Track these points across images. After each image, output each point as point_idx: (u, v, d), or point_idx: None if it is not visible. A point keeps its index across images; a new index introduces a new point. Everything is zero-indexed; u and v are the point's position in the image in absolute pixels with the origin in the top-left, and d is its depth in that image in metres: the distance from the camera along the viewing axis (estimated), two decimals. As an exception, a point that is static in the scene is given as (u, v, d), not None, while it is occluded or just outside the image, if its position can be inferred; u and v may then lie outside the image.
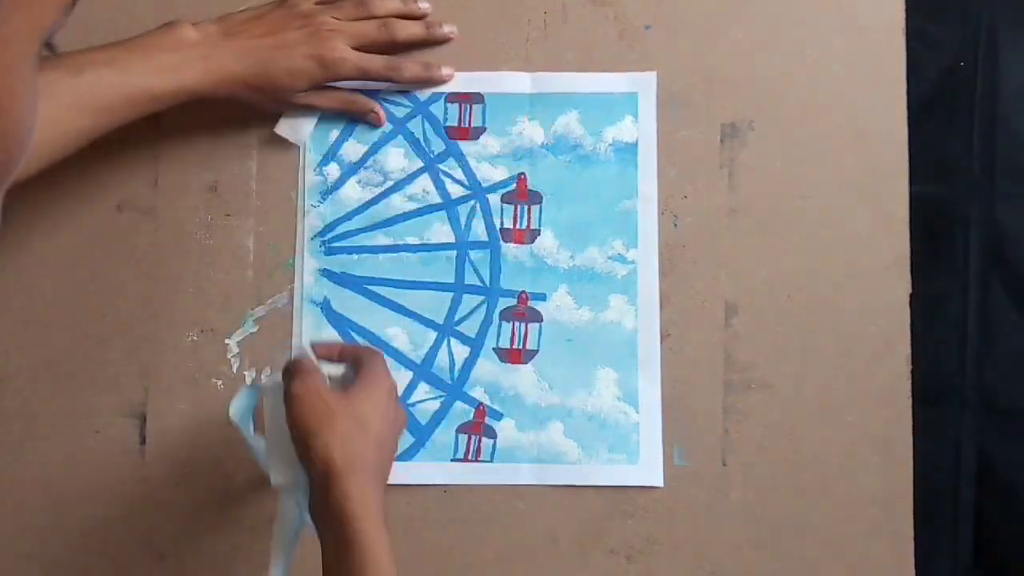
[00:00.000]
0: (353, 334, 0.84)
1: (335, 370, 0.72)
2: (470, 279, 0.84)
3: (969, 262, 0.86)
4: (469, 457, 0.83)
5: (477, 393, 0.83)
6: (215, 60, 0.78)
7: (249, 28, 0.80)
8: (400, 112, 0.86)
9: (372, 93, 0.85)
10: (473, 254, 0.85)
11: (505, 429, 0.83)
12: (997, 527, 0.85)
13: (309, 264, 0.84)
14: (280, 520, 0.71)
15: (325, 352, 0.73)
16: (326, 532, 0.65)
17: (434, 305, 0.84)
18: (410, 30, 0.84)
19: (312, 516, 0.67)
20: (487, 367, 0.84)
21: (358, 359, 0.72)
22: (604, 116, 0.85)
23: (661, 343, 0.84)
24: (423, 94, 0.86)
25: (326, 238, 0.85)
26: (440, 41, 0.86)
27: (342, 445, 0.65)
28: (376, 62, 0.83)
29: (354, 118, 0.85)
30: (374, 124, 0.85)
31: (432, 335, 0.84)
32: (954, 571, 0.85)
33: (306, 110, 0.84)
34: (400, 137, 0.86)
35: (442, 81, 0.85)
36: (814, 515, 0.83)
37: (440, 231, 0.85)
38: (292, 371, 0.69)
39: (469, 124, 0.86)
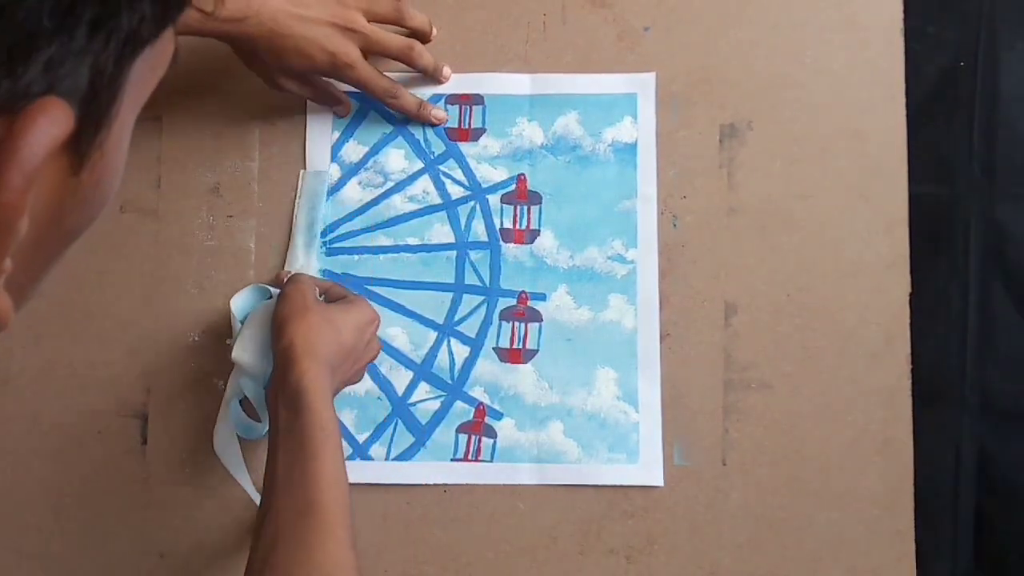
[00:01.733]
0: (353, 334, 0.84)
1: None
2: (470, 279, 0.85)
3: (969, 262, 0.86)
4: (469, 457, 0.83)
5: (477, 393, 0.84)
6: (239, 8, 0.75)
7: None
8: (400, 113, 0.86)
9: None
10: (473, 254, 0.85)
11: (505, 429, 0.83)
12: (997, 527, 0.85)
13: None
14: (225, 408, 0.78)
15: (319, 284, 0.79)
16: (278, 410, 0.68)
17: (434, 305, 0.84)
18: (430, 59, 0.84)
19: (266, 402, 0.72)
20: (487, 367, 0.84)
21: (345, 297, 0.78)
22: (603, 117, 0.85)
23: (661, 343, 0.84)
24: (423, 95, 0.86)
25: (327, 239, 0.85)
26: (426, 118, 0.86)
27: (307, 333, 0.70)
28: (380, 83, 0.82)
29: (322, 103, 0.85)
30: (338, 115, 0.86)
31: (432, 335, 0.84)
32: (954, 571, 0.85)
33: (278, 89, 0.82)
34: (400, 138, 0.86)
35: (429, 122, 0.86)
36: (814, 515, 0.83)
37: (440, 232, 0.85)
38: (290, 279, 0.76)
39: (469, 125, 0.86)
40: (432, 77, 0.86)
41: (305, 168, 0.85)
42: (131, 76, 0.37)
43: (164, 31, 0.37)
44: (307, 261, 0.84)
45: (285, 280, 0.76)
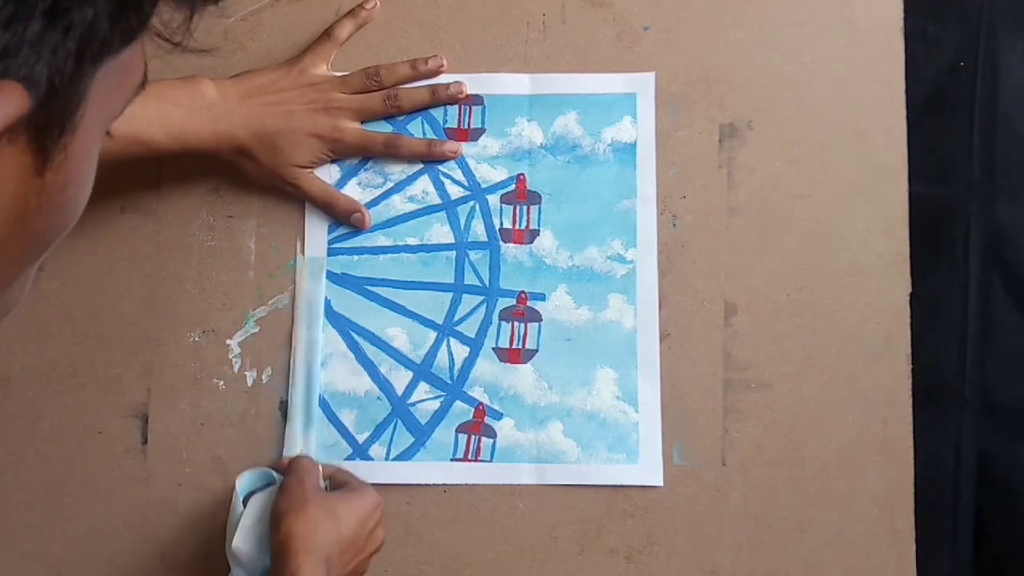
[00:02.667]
0: (353, 334, 0.84)
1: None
2: (470, 279, 0.85)
3: (969, 262, 0.86)
4: (469, 457, 0.83)
5: (477, 393, 0.84)
6: (224, 123, 0.79)
7: (262, 95, 0.81)
8: (400, 113, 0.86)
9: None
10: (473, 254, 0.85)
11: (505, 429, 0.83)
12: (997, 527, 0.85)
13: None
14: None
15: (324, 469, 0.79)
16: None
17: (434, 305, 0.84)
18: (415, 98, 0.84)
19: None
20: (487, 367, 0.84)
21: (348, 484, 0.78)
22: (603, 117, 0.85)
23: (660, 343, 0.84)
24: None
25: (327, 240, 0.85)
26: (445, 102, 0.85)
27: (305, 526, 0.69)
28: (377, 141, 0.84)
29: (335, 217, 0.85)
30: (357, 226, 0.85)
31: (432, 335, 0.84)
32: (954, 571, 0.84)
33: (293, 190, 0.83)
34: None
35: (444, 158, 0.85)
36: (814, 515, 0.83)
37: (440, 232, 0.85)
38: (291, 466, 0.76)
39: (468, 125, 0.86)
40: (428, 159, 0.85)
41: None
42: (95, 85, 0.38)
43: (126, 45, 0.39)
44: (306, 432, 0.84)
45: (287, 464, 0.77)
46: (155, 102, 0.77)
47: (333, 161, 0.85)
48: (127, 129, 0.74)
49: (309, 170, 0.84)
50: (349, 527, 0.72)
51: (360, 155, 0.85)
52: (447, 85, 0.85)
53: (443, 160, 0.85)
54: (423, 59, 0.85)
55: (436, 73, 0.85)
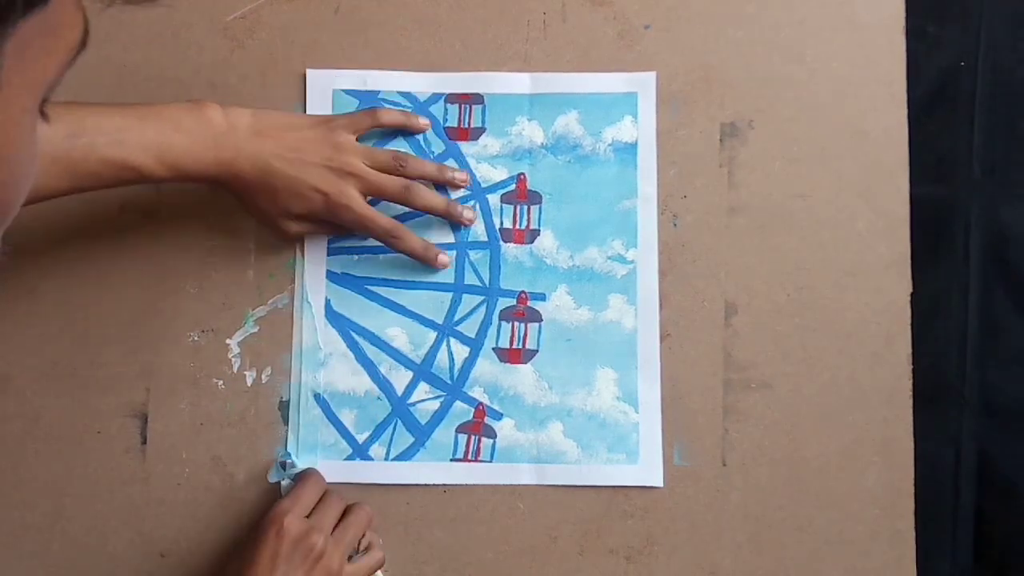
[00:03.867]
0: (353, 334, 0.84)
1: None
2: (470, 279, 0.85)
3: (969, 262, 0.86)
4: (469, 457, 0.83)
5: (477, 393, 0.84)
6: (228, 152, 0.76)
7: (280, 135, 0.78)
8: (400, 112, 0.86)
9: (372, 95, 0.85)
10: (473, 254, 0.85)
11: (505, 429, 0.83)
12: (997, 527, 0.85)
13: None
14: None
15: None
16: None
17: (434, 305, 0.84)
18: (431, 200, 0.82)
19: None
20: (487, 367, 0.84)
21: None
22: (604, 116, 0.85)
23: (661, 343, 0.84)
24: (423, 95, 0.86)
25: (327, 239, 0.85)
26: (454, 219, 0.84)
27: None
28: (380, 224, 0.81)
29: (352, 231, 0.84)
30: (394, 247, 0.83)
31: (432, 335, 0.84)
32: (954, 571, 0.85)
33: (286, 235, 0.82)
34: (400, 138, 0.86)
35: (436, 267, 0.84)
36: (814, 515, 0.83)
37: (440, 231, 0.85)
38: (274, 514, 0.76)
39: (469, 125, 0.86)
40: (422, 260, 0.84)
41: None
42: (13, 51, 0.36)
43: (35, 6, 0.36)
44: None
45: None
46: (153, 126, 0.74)
47: (322, 230, 0.83)
48: (117, 154, 0.72)
49: (301, 225, 0.82)
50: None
51: (358, 231, 0.83)
52: (462, 209, 0.84)
53: (436, 267, 0.84)
54: (453, 169, 0.84)
55: (458, 187, 0.84)
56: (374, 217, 0.81)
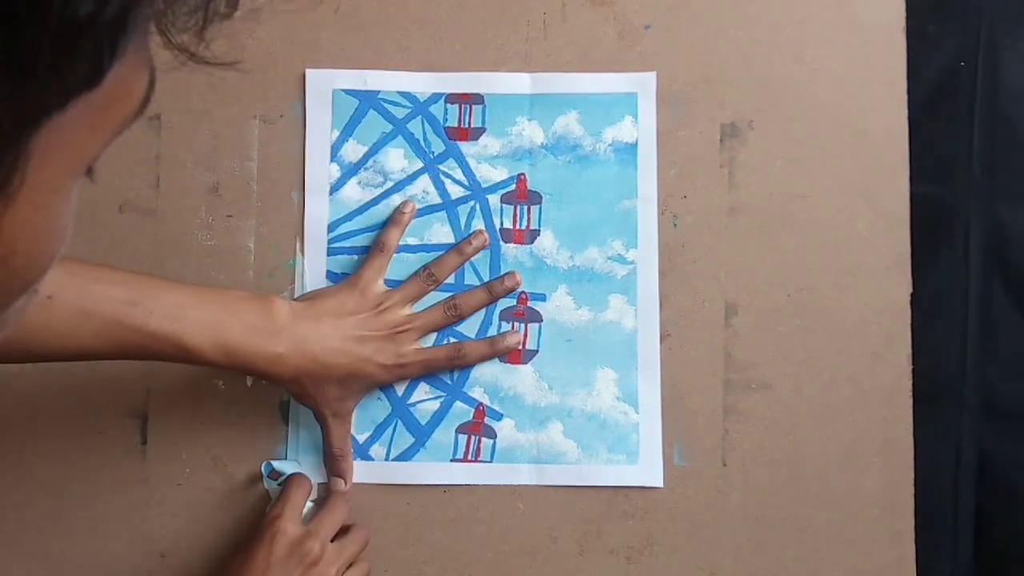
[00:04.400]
0: (353, 334, 0.84)
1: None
2: (470, 279, 0.84)
3: (969, 262, 0.86)
4: (469, 457, 0.83)
5: (477, 393, 0.83)
6: (284, 350, 0.75)
7: (340, 341, 0.77)
8: (400, 113, 0.86)
9: (372, 95, 0.85)
10: (473, 255, 0.85)
11: (505, 429, 0.83)
12: (997, 527, 0.85)
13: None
14: None
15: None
16: None
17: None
18: (473, 302, 0.83)
19: None
20: (487, 367, 0.84)
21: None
22: (604, 116, 0.85)
23: (661, 343, 0.84)
24: (423, 95, 0.86)
25: (327, 239, 0.85)
26: (502, 295, 0.84)
27: None
28: (440, 355, 0.82)
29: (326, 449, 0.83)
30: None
31: (432, 335, 0.84)
32: (954, 571, 0.84)
33: (320, 422, 0.81)
34: (400, 138, 0.86)
35: (509, 351, 0.83)
36: (814, 515, 0.83)
37: (440, 232, 0.85)
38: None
39: (469, 125, 0.86)
40: (494, 356, 0.84)
41: (305, 168, 0.85)
42: (41, 143, 0.30)
43: (76, 97, 0.30)
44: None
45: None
46: (214, 309, 0.73)
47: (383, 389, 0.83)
48: (172, 329, 0.71)
49: (348, 411, 0.82)
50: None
51: (423, 375, 0.83)
52: (502, 279, 0.84)
53: (507, 353, 0.83)
54: (468, 242, 0.84)
55: (510, 290, 0.84)
56: (434, 354, 0.82)
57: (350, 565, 0.78)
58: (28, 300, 0.37)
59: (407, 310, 0.81)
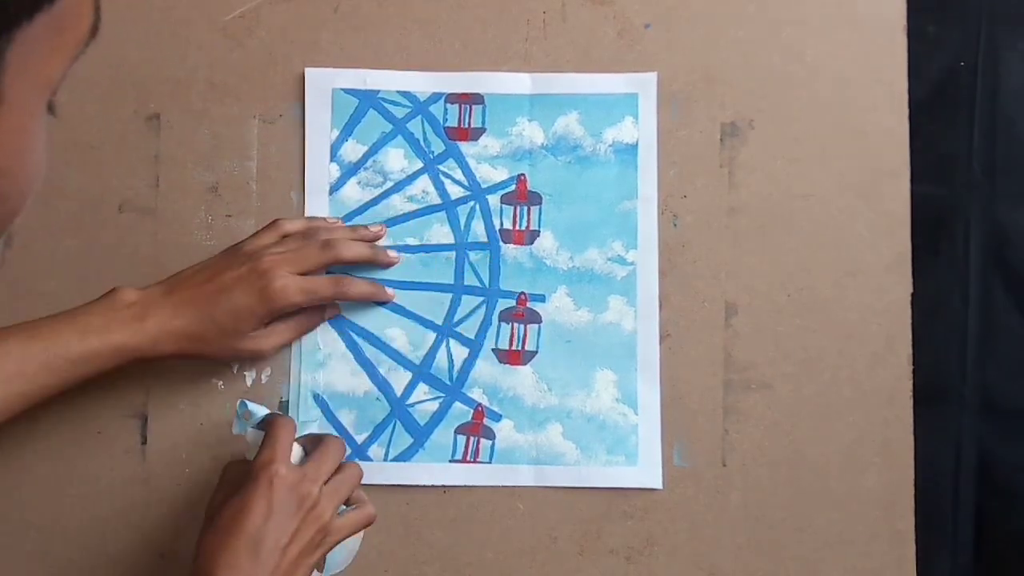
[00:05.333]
0: (352, 335, 0.84)
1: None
2: (469, 280, 0.84)
3: (969, 262, 0.86)
4: (468, 458, 0.83)
5: (476, 394, 0.83)
6: (152, 318, 0.75)
7: (191, 279, 0.78)
8: (400, 112, 0.86)
9: (372, 95, 0.85)
10: (472, 255, 0.85)
11: (504, 430, 0.83)
12: (997, 527, 0.85)
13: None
14: None
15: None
16: None
17: (433, 306, 0.84)
18: (355, 250, 0.81)
19: None
20: (486, 368, 0.84)
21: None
22: (604, 117, 0.85)
23: (660, 343, 0.84)
24: (423, 94, 0.86)
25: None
26: (386, 265, 0.84)
27: (201, 557, 0.67)
28: (323, 283, 0.80)
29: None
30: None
31: (431, 336, 0.84)
32: (954, 571, 0.85)
33: (256, 357, 0.81)
34: (400, 138, 0.86)
35: (388, 300, 0.84)
36: (814, 515, 0.83)
37: (439, 232, 0.85)
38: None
39: (469, 125, 0.86)
40: (374, 299, 0.84)
41: (305, 168, 0.85)
42: (13, 57, 0.34)
43: (42, 8, 0.34)
44: None
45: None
46: (66, 319, 0.74)
47: (279, 318, 0.81)
48: (41, 350, 0.73)
49: (262, 332, 0.80)
50: (253, 529, 0.69)
51: (307, 302, 0.79)
52: (387, 250, 0.84)
53: (387, 301, 0.84)
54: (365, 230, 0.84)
55: (376, 237, 0.84)
56: (315, 281, 0.79)
57: (354, 505, 0.76)
58: (3, 250, 0.41)
59: (276, 248, 0.79)
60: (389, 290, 0.84)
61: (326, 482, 0.73)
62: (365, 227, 0.84)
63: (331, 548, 0.73)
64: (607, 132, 0.85)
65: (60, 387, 0.74)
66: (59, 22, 0.36)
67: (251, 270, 0.77)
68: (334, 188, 0.85)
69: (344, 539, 0.74)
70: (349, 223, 0.85)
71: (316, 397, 0.83)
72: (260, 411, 0.76)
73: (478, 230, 0.85)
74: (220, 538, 0.68)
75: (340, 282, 0.81)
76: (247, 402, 0.76)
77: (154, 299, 0.77)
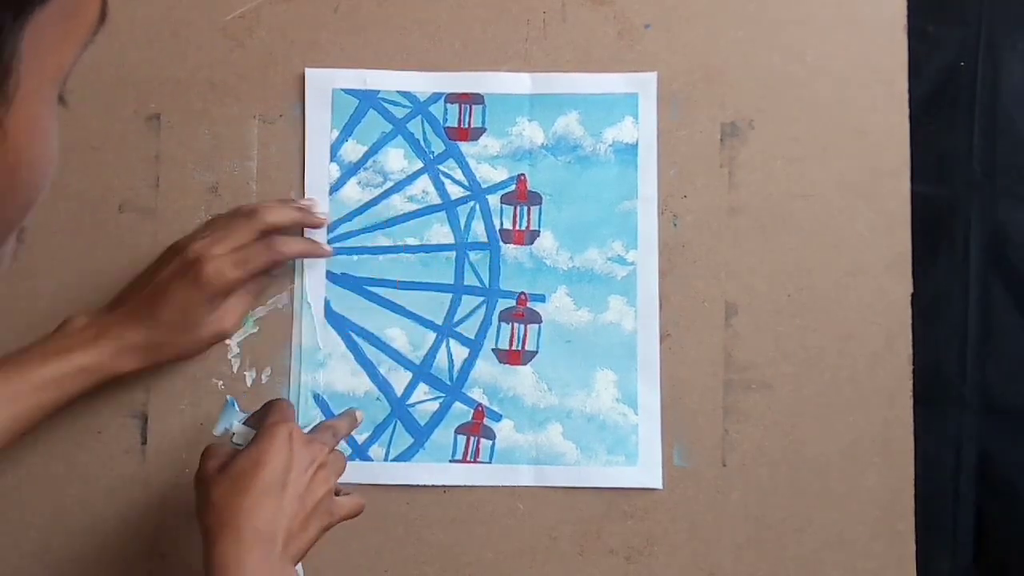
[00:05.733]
0: (353, 335, 0.84)
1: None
2: (469, 280, 0.84)
3: (969, 262, 0.86)
4: (468, 458, 0.83)
5: (476, 394, 0.84)
6: (105, 336, 0.75)
7: (130, 290, 0.79)
8: (400, 112, 0.86)
9: (372, 95, 0.85)
10: (472, 255, 0.85)
11: (504, 430, 0.83)
12: (997, 527, 0.85)
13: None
14: None
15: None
16: None
17: (433, 306, 0.84)
18: (281, 212, 0.81)
19: None
20: (486, 368, 0.84)
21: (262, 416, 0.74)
22: (604, 117, 0.85)
23: (660, 343, 0.84)
24: (423, 95, 0.86)
25: (326, 239, 0.85)
26: (316, 225, 0.83)
27: (217, 505, 0.66)
28: (255, 250, 0.78)
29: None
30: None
31: (431, 336, 0.84)
32: (954, 571, 0.85)
33: (222, 338, 0.80)
34: (400, 138, 0.86)
35: (326, 255, 0.83)
36: (814, 515, 0.83)
37: (440, 232, 0.85)
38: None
39: (469, 125, 0.86)
40: (311, 256, 0.84)
41: (305, 168, 0.85)
42: (28, 44, 0.34)
43: None
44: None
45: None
46: (23, 354, 0.74)
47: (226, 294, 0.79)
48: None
49: (216, 315, 0.79)
50: (263, 484, 0.67)
51: (246, 277, 0.78)
52: (316, 214, 0.83)
53: (316, 226, 0.83)
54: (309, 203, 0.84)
55: (320, 224, 0.84)
56: (247, 252, 0.78)
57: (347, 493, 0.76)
58: (16, 246, 0.41)
59: (202, 233, 0.80)
60: (326, 246, 0.83)
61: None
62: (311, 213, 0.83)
63: (331, 526, 0.72)
64: (607, 132, 0.85)
65: (29, 418, 0.73)
66: (70, 8, 0.36)
67: (181, 261, 0.77)
68: (334, 188, 0.85)
69: (342, 520, 0.73)
70: (349, 223, 0.85)
71: (316, 397, 0.83)
72: (242, 429, 0.76)
73: (478, 230, 0.85)
74: (238, 485, 0.67)
75: (272, 244, 0.79)
76: (234, 401, 0.77)
77: (103, 318, 0.77)
